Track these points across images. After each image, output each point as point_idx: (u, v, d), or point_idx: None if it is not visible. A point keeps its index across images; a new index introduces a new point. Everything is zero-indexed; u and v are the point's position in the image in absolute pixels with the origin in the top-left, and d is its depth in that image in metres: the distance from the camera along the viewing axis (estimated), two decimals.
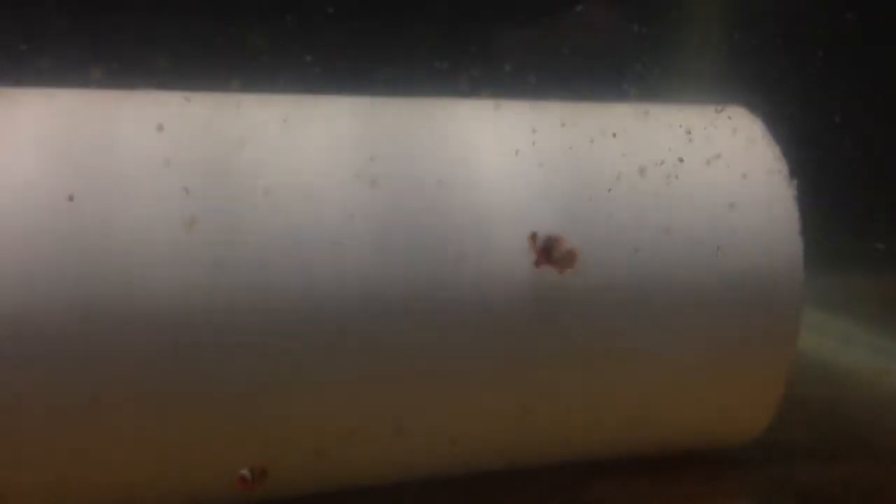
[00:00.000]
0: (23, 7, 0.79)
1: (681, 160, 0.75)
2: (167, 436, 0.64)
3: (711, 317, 0.75)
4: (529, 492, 0.77)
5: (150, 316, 0.62)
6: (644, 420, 0.77)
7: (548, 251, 0.69)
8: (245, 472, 0.66)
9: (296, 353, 0.65)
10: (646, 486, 0.80)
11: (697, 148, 0.77)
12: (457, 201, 0.69)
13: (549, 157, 0.73)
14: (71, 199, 0.61)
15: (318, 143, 0.68)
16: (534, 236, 0.69)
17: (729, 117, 0.79)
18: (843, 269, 1.11)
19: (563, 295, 0.70)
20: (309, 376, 0.66)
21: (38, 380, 0.61)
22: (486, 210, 0.69)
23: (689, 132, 0.77)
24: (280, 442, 0.68)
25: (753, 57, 0.95)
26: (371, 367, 0.67)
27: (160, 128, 0.65)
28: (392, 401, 0.69)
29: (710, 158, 0.76)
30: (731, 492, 0.83)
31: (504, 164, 0.72)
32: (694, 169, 0.76)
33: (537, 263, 0.69)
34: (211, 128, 0.67)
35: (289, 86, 0.71)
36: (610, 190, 0.73)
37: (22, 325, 0.60)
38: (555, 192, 0.72)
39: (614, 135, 0.75)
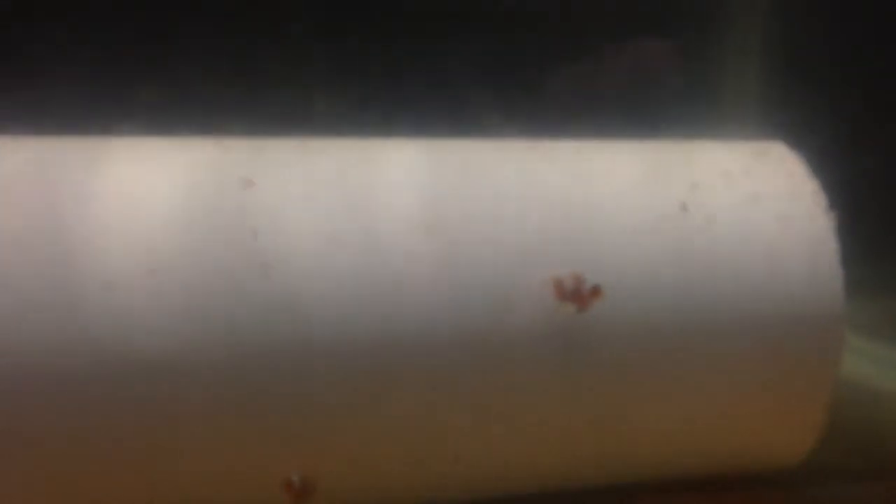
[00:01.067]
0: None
1: (720, 197, 0.78)
2: (230, 456, 0.68)
3: (756, 346, 0.77)
4: None
5: (236, 357, 0.66)
6: (688, 444, 0.80)
7: (575, 291, 0.71)
8: (294, 477, 0.67)
9: (366, 384, 0.69)
10: None
11: (737, 184, 0.79)
12: (508, 240, 0.73)
13: (588, 196, 0.76)
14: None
15: (379, 186, 0.72)
16: (559, 281, 0.71)
17: (767, 153, 0.82)
18: (883, 294, 1.12)
19: (605, 329, 0.73)
20: (375, 405, 0.70)
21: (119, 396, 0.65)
22: (531, 249, 0.73)
23: (728, 169, 0.80)
24: (337, 463, 0.71)
25: (791, 89, 0.97)
26: (431, 400, 0.71)
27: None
28: (450, 430, 0.72)
29: (749, 195, 0.79)
30: None
31: (549, 204, 0.75)
32: (734, 205, 0.78)
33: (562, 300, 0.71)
34: (284, 170, 0.71)
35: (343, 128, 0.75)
36: (649, 227, 0.75)
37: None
38: (595, 229, 0.75)
39: (655, 173, 0.78)
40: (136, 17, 0.82)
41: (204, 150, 0.73)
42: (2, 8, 0.81)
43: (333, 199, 0.71)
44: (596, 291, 0.72)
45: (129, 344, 0.65)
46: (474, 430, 0.73)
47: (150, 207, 0.67)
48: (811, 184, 0.81)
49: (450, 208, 0.72)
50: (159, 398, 0.66)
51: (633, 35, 0.94)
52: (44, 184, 0.67)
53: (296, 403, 0.68)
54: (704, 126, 0.88)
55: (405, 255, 0.70)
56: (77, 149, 0.71)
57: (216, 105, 0.82)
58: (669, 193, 0.77)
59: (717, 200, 0.77)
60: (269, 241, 0.68)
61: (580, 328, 0.72)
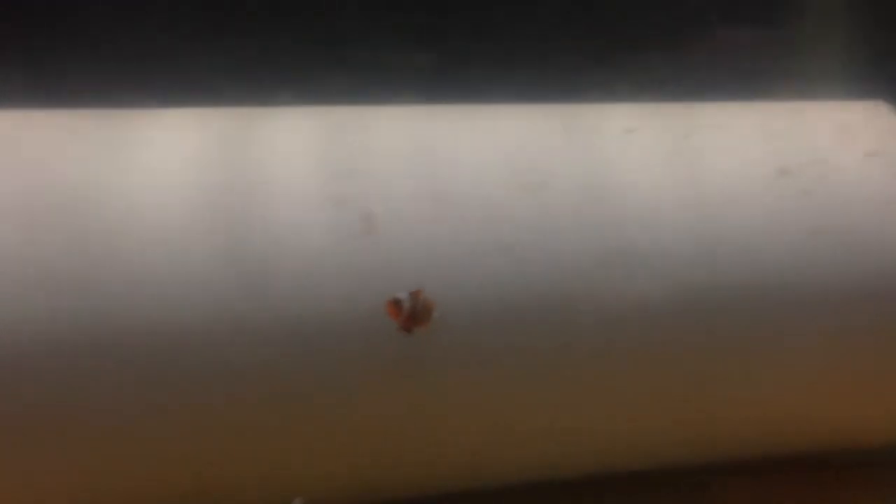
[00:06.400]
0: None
1: (828, 158, 0.75)
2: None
3: (857, 316, 0.74)
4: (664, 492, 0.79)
5: (333, 323, 0.64)
6: (784, 421, 0.77)
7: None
8: (402, 294, 0.63)
9: (458, 352, 0.67)
10: (781, 486, 0.80)
11: (846, 145, 0.76)
12: (615, 204, 0.70)
13: (710, 157, 0.73)
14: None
15: (484, 150, 0.71)
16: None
17: (877, 111, 0.79)
18: None
19: (706, 296, 0.70)
20: (468, 376, 0.68)
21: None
22: (643, 212, 0.70)
23: (836, 128, 0.77)
24: (437, 441, 0.70)
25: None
26: (531, 368, 0.69)
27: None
28: (548, 401, 0.70)
29: (859, 154, 0.76)
30: (870, 493, 0.82)
31: (652, 167, 0.72)
32: (843, 166, 0.75)
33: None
34: (387, 138, 0.70)
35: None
36: (753, 190, 0.73)
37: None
38: (697, 192, 0.72)
39: (774, 133, 0.75)
40: None
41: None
42: None
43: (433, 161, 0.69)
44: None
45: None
46: (573, 402, 0.71)
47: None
48: None
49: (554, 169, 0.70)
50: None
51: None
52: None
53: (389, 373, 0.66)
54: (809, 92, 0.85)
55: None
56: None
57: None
58: (776, 154, 0.74)
59: (825, 160, 0.74)
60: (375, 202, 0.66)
61: (702, 296, 0.70)
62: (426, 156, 0.70)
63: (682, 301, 0.70)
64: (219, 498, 0.68)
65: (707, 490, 0.80)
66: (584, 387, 0.70)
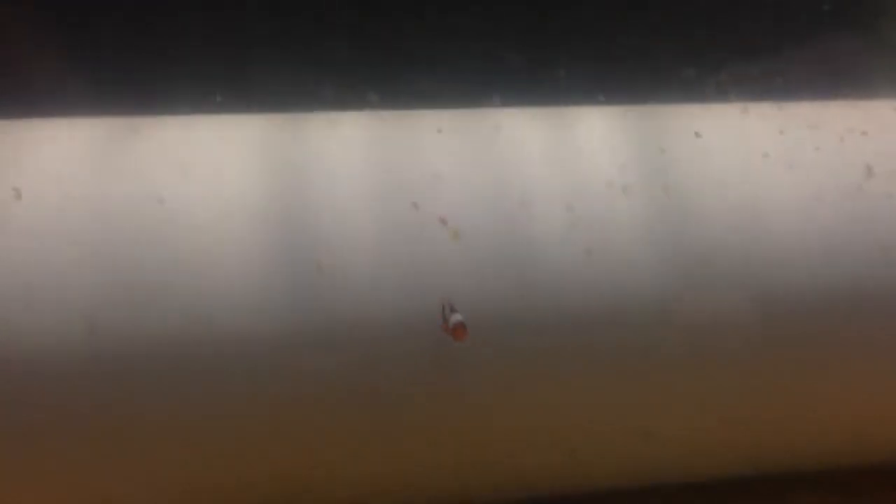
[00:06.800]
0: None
1: None
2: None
3: None
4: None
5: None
6: (870, 429, 0.75)
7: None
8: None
9: (550, 354, 0.68)
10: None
11: None
12: (701, 203, 0.70)
13: (798, 158, 0.72)
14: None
15: (572, 152, 0.71)
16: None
17: None
18: None
19: (797, 298, 0.70)
20: (563, 378, 0.68)
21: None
22: (737, 212, 0.70)
23: None
24: (531, 441, 0.70)
25: None
26: (620, 373, 0.69)
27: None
28: (640, 406, 0.70)
29: None
30: None
31: (751, 166, 0.72)
32: None
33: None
34: (475, 143, 0.71)
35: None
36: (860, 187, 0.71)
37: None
38: (802, 192, 0.71)
39: (864, 133, 0.74)
40: None
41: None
42: None
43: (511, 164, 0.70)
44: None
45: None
46: (666, 407, 0.71)
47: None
48: None
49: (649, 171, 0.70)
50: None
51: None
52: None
53: (480, 377, 0.67)
54: None
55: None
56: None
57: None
58: (880, 153, 0.73)
59: None
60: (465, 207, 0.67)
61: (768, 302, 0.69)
62: (508, 160, 0.70)
63: (766, 307, 0.69)
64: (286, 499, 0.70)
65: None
66: (669, 393, 0.70)
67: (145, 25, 0.81)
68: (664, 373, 0.69)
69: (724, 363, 0.70)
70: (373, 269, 0.65)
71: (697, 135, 0.72)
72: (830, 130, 0.74)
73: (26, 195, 0.64)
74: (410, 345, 0.65)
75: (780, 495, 0.79)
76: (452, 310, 0.65)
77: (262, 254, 0.65)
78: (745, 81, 0.82)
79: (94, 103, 0.74)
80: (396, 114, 0.74)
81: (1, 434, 0.63)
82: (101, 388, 0.63)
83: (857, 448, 0.76)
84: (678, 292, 0.68)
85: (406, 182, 0.68)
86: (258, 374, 0.64)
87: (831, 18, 0.86)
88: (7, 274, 0.62)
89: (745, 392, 0.71)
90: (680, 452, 0.74)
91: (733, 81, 0.82)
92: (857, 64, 0.86)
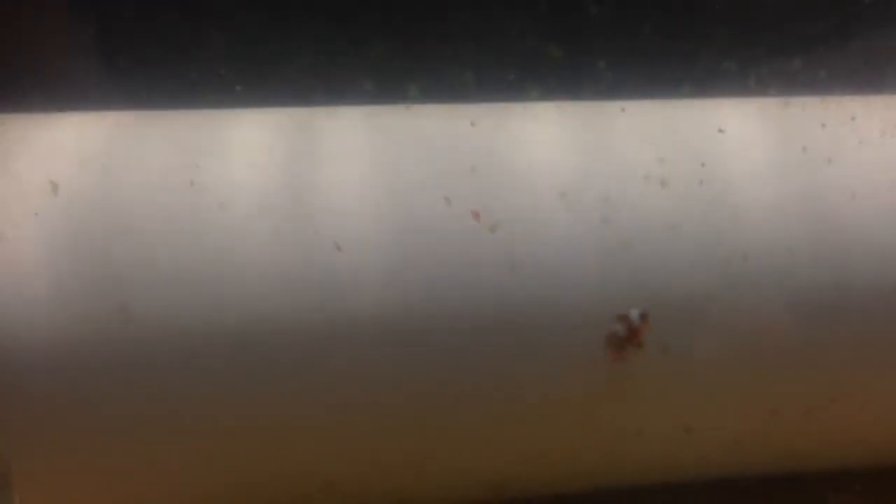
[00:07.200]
0: None
1: None
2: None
3: None
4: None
5: (450, 317, 0.66)
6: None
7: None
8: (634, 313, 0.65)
9: (577, 350, 0.67)
10: None
11: None
12: (738, 198, 0.69)
13: (838, 153, 0.71)
14: None
15: (608, 145, 0.70)
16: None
17: None
18: None
19: (837, 294, 0.69)
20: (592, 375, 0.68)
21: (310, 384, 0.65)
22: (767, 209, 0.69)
23: None
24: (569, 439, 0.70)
25: None
26: (660, 367, 0.68)
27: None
28: (680, 401, 0.70)
29: None
30: None
31: (789, 160, 0.71)
32: None
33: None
34: (506, 136, 0.70)
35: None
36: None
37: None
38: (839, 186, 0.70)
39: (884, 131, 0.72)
40: None
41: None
42: None
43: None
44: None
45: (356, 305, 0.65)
46: (705, 402, 0.70)
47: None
48: None
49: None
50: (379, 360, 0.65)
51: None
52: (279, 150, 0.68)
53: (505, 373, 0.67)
54: None
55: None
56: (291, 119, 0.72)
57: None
58: None
59: None
60: (501, 201, 0.67)
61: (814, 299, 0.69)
62: (543, 152, 0.70)
63: (803, 303, 0.68)
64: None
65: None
66: (710, 387, 0.70)
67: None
68: (702, 369, 0.68)
69: (761, 361, 0.69)
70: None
71: (721, 130, 0.72)
72: (872, 124, 0.73)
73: (63, 188, 0.65)
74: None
75: (821, 496, 0.78)
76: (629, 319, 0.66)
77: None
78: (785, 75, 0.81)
79: (121, 96, 0.75)
80: (431, 107, 0.74)
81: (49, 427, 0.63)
82: (134, 378, 0.63)
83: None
84: (714, 288, 0.67)
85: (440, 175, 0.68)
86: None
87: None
88: (42, 264, 0.62)
89: (781, 389, 0.70)
90: (719, 449, 0.73)
91: (773, 75, 0.81)
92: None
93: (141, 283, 0.63)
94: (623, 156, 0.70)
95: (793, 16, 0.85)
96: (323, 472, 0.69)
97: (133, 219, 0.64)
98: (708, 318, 0.68)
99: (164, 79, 0.78)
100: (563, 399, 0.68)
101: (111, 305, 0.63)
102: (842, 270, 0.69)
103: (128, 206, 0.64)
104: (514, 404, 0.68)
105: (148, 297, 0.63)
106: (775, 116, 0.74)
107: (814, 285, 0.69)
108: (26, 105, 0.69)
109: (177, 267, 0.64)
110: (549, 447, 0.71)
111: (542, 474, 0.73)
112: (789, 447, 0.74)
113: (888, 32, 0.86)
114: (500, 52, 0.81)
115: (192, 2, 0.80)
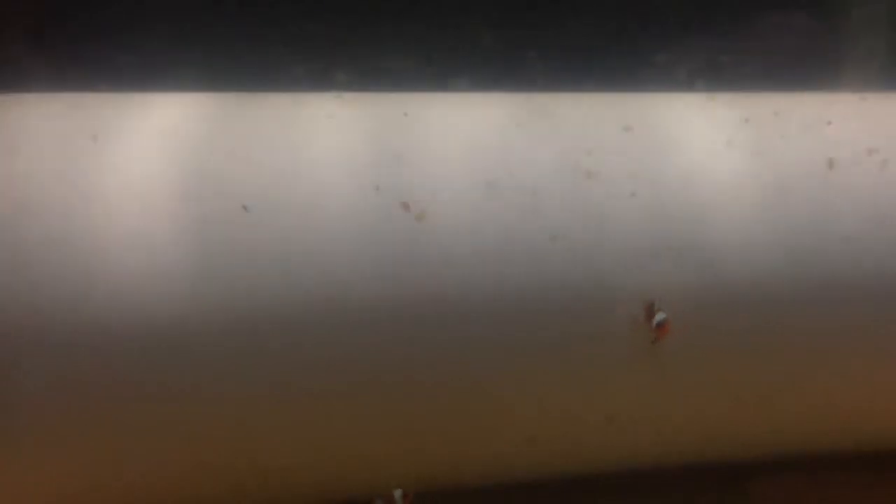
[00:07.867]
0: None
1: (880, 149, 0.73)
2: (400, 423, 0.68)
3: None
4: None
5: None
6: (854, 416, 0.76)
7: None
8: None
9: (520, 343, 0.68)
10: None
11: None
12: (677, 196, 0.70)
13: (763, 147, 0.72)
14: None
15: (536, 139, 0.71)
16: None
17: None
18: None
19: (792, 285, 0.70)
20: (525, 365, 0.69)
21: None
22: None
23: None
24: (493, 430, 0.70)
25: None
26: (585, 357, 0.69)
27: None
28: (604, 390, 0.70)
29: None
30: None
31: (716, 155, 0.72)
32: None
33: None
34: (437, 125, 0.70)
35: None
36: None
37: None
38: (767, 180, 0.72)
39: (829, 123, 0.74)
40: None
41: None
42: None
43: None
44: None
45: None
46: (631, 391, 0.71)
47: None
48: None
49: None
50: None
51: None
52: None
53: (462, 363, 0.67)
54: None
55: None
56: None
57: None
58: (843, 142, 0.73)
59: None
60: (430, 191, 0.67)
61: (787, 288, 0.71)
62: (479, 143, 0.70)
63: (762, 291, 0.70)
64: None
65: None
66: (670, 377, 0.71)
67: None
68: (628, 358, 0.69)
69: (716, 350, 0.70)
70: None
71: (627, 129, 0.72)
72: (796, 119, 0.75)
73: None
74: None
75: (811, 474, 0.80)
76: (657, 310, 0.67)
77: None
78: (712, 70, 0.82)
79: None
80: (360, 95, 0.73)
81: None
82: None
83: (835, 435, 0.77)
84: (641, 280, 0.68)
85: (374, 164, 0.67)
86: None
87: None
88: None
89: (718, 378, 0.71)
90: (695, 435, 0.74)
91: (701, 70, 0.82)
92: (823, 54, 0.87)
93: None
94: (552, 147, 0.70)
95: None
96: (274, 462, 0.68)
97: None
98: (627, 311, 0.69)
99: (74, 61, 0.76)
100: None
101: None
102: (784, 263, 0.70)
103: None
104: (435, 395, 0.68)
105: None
106: (703, 109, 0.75)
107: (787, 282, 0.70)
108: None
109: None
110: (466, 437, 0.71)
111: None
112: (769, 432, 0.75)
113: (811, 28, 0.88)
114: (431, 40, 0.81)
115: None
